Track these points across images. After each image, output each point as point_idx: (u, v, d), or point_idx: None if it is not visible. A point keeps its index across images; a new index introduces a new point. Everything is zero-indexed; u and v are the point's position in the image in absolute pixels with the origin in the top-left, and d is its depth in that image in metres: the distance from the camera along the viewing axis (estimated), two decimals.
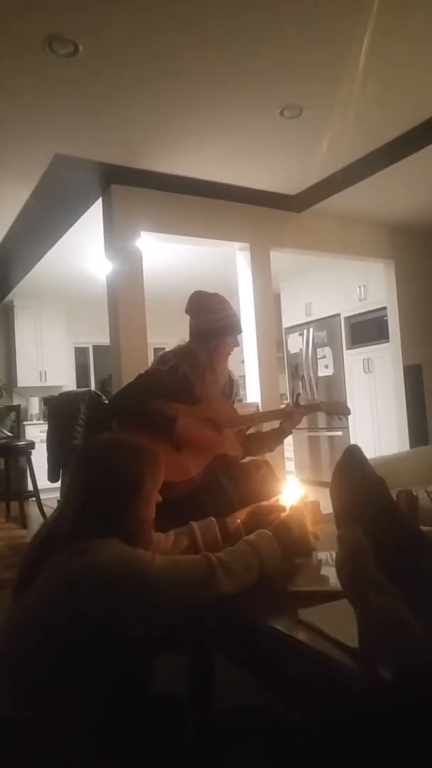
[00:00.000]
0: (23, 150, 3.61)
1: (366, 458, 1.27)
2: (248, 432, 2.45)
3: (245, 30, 2.66)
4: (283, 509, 1.56)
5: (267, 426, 2.53)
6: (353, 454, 1.27)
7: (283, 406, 2.51)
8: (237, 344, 2.34)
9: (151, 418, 2.05)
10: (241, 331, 2.35)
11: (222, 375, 2.29)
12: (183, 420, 2.06)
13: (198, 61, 2.88)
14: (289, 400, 6.81)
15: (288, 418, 2.36)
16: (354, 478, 1.22)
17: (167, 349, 2.40)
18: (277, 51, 2.83)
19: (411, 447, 5.17)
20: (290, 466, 6.65)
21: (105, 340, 4.49)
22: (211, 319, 2.26)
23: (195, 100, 3.21)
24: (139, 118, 3.38)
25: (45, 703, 1.03)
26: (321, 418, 6.41)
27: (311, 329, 6.65)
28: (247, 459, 2.31)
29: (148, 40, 2.69)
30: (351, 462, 1.26)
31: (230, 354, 2.33)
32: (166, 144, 3.71)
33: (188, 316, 2.35)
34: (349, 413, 2.54)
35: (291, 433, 2.41)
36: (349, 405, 2.67)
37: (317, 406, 2.58)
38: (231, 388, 2.40)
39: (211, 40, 2.72)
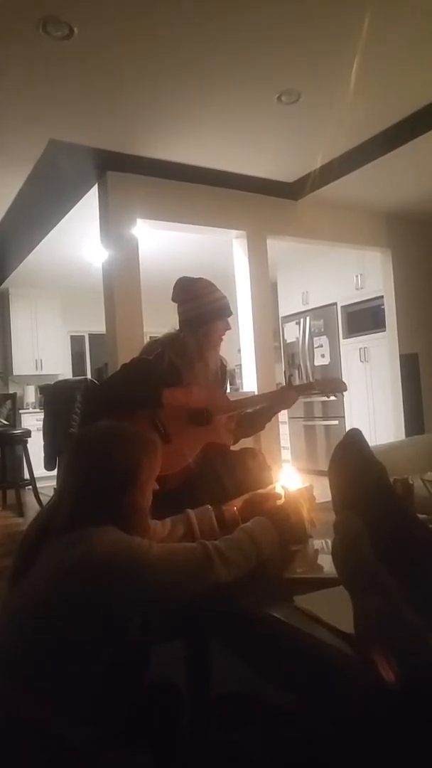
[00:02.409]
0: (17, 135, 3.57)
1: (367, 443, 1.26)
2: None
3: (242, 13, 2.62)
4: (279, 497, 1.56)
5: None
6: (353, 438, 1.26)
7: (278, 387, 2.41)
8: (228, 327, 2.25)
9: (139, 395, 2.01)
10: (230, 314, 2.25)
11: (212, 362, 2.22)
12: (169, 417, 2.02)
13: (195, 46, 2.84)
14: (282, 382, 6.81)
15: (281, 401, 2.32)
16: (352, 462, 1.21)
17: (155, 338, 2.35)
18: (275, 35, 2.79)
19: (407, 436, 5.19)
20: (286, 455, 6.66)
21: (101, 328, 4.47)
22: (197, 305, 2.19)
23: (191, 85, 3.17)
24: (135, 104, 3.34)
25: (43, 691, 1.03)
26: (317, 406, 6.41)
27: (308, 318, 6.63)
28: (242, 448, 2.29)
29: (144, 24, 2.66)
30: (350, 445, 1.25)
31: (222, 339, 2.25)
32: (162, 130, 3.67)
33: (176, 304, 2.29)
34: (346, 389, 2.38)
35: (280, 411, 2.37)
36: (345, 394, 2.53)
37: (311, 385, 2.44)
38: (223, 375, 2.34)
39: (208, 25, 2.69)
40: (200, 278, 2.28)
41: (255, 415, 2.36)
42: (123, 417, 1.96)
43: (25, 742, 1.00)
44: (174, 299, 2.28)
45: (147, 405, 2.01)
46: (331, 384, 2.40)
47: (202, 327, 2.19)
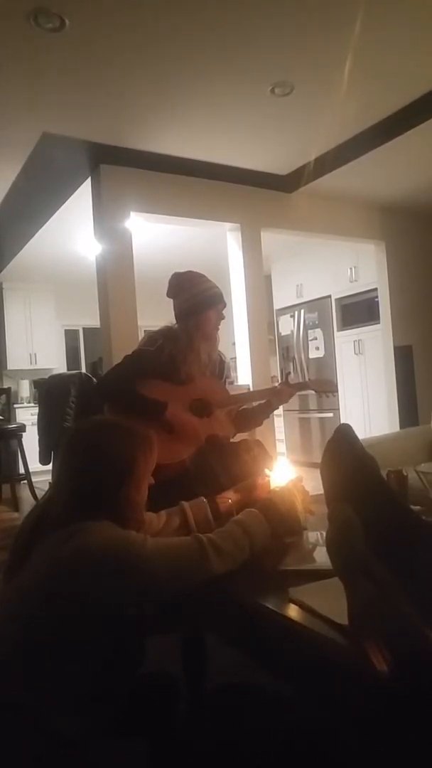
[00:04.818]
0: (10, 128, 3.55)
1: (357, 437, 1.27)
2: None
3: (236, 5, 2.61)
4: (267, 481, 1.58)
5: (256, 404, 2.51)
6: (344, 433, 1.27)
7: (275, 385, 2.47)
8: (221, 317, 2.27)
9: (141, 403, 2.04)
10: (221, 303, 2.27)
11: (205, 353, 2.23)
12: (172, 406, 2.05)
13: (188, 38, 2.82)
14: (279, 379, 6.83)
15: (277, 395, 2.35)
16: (345, 456, 1.21)
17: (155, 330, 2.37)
18: (268, 27, 2.78)
19: (401, 427, 5.20)
20: (281, 447, 6.68)
21: (95, 322, 4.47)
22: (188, 296, 2.23)
23: (184, 77, 3.16)
24: (128, 96, 3.32)
25: (38, 683, 1.04)
26: (312, 399, 6.43)
27: (302, 311, 6.63)
28: (239, 439, 2.30)
29: (136, 16, 2.64)
30: (342, 440, 1.25)
31: (216, 329, 2.26)
32: (155, 122, 3.65)
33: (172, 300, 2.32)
34: (336, 390, 2.54)
35: (278, 407, 2.41)
36: (339, 387, 2.65)
37: (305, 384, 2.53)
38: (222, 369, 2.37)
39: (201, 16, 2.67)
40: (188, 271, 2.31)
41: (252, 411, 2.38)
42: (123, 414, 2.00)
43: (20, 733, 1.00)
44: (168, 295, 2.31)
45: (150, 411, 2.02)
46: (324, 384, 2.53)
47: (193, 318, 2.21)
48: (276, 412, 2.54)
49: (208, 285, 2.26)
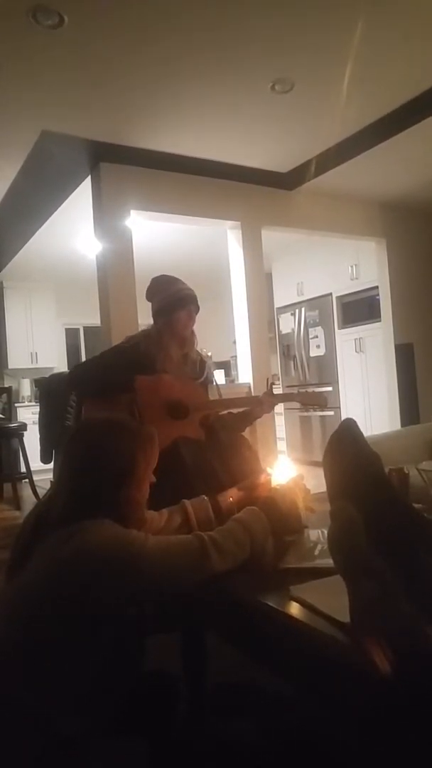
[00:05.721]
0: (8, 126, 3.54)
1: (361, 432, 1.26)
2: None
3: (235, 2, 2.60)
4: (268, 481, 1.57)
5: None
6: (348, 428, 1.26)
7: (258, 396, 2.45)
8: (191, 319, 2.30)
9: (111, 383, 2.07)
10: (192, 305, 2.30)
11: (177, 352, 2.26)
12: (144, 391, 2.07)
13: (187, 35, 2.81)
14: (279, 378, 6.83)
15: (259, 405, 2.34)
16: (347, 453, 1.21)
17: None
18: (269, 23, 2.76)
19: (402, 426, 5.20)
20: (282, 445, 6.67)
21: (95, 321, 4.46)
22: (159, 298, 2.30)
23: (184, 74, 3.15)
24: (128, 94, 3.31)
25: (38, 682, 1.04)
26: None
27: (303, 309, 6.63)
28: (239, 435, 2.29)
29: (136, 13, 2.63)
30: (345, 436, 1.25)
31: (187, 330, 2.28)
32: (155, 120, 3.64)
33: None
34: (326, 405, 2.50)
35: (260, 416, 2.40)
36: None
37: (290, 396, 2.52)
38: (202, 368, 2.38)
39: (202, 11, 2.66)
40: (162, 275, 2.38)
41: (233, 418, 2.36)
42: (102, 400, 2.05)
43: (20, 732, 1.00)
44: (146, 298, 2.37)
45: (121, 390, 2.05)
46: (311, 398, 2.52)
47: (163, 318, 2.26)
48: (276, 410, 2.53)
49: (178, 287, 2.31)
